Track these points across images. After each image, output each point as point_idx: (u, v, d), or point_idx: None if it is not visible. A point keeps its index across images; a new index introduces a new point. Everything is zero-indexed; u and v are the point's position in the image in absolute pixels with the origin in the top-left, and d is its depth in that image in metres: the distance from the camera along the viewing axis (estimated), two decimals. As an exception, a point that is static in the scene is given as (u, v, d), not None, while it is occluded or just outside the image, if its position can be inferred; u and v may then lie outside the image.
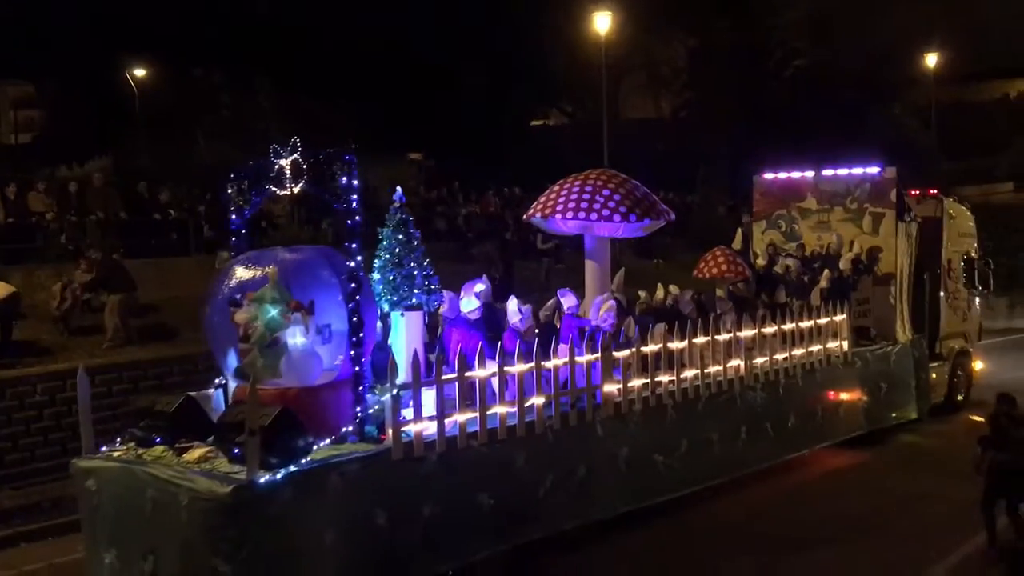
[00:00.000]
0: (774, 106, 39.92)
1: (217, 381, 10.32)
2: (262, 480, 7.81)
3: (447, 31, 38.12)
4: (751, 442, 12.60)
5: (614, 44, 33.25)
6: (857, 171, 16.46)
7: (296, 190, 9.57)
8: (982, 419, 11.45)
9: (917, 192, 16.88)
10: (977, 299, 18.22)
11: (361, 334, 9.05)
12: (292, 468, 8.10)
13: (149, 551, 8.21)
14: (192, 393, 9.61)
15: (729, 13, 41.77)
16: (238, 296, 9.49)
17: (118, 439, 9.53)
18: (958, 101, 46.85)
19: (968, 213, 17.93)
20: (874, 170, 16.29)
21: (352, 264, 8.98)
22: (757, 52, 42.18)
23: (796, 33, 43.66)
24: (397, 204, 9.93)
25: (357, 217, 9.00)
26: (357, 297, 9.00)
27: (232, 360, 9.57)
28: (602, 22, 28.28)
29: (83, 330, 16.40)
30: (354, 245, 9.00)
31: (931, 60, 41.57)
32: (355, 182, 8.97)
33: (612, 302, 11.40)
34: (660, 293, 13.81)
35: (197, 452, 8.84)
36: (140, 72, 36.30)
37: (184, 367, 15.60)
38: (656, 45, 44.91)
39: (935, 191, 17.38)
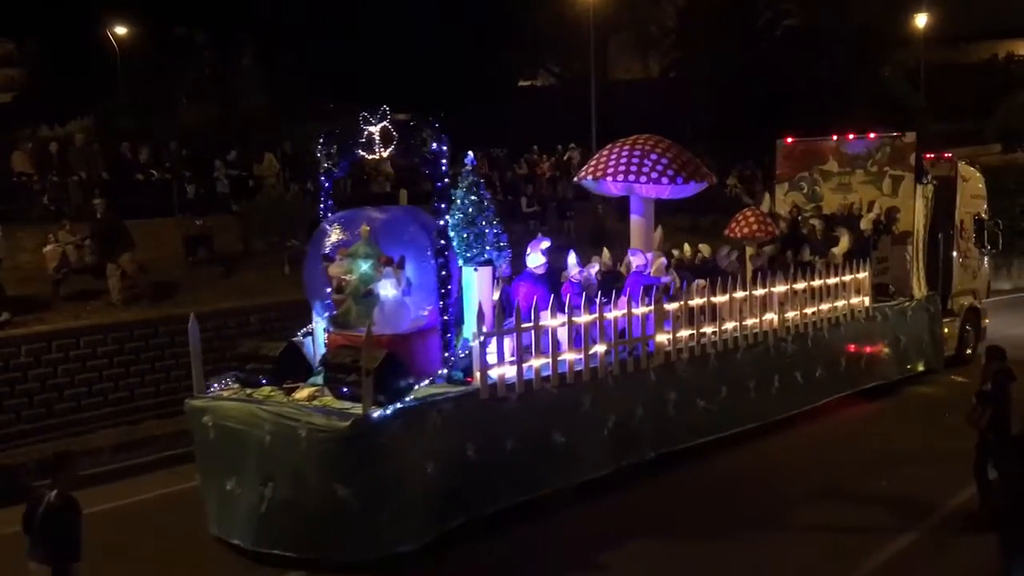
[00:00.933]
0: (763, 66, 40.45)
1: (304, 330, 11.36)
2: (375, 415, 8.93)
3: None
4: (783, 390, 13.85)
5: (601, 3, 33.54)
6: (879, 137, 17.55)
7: (385, 154, 10.50)
8: (964, 379, 12.38)
9: (932, 155, 18.02)
10: (985, 258, 19.37)
11: (449, 286, 10.07)
12: (398, 405, 9.17)
13: (269, 478, 9.34)
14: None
15: None
16: (330, 251, 10.49)
17: (223, 380, 10.54)
18: (947, 62, 48.06)
19: (979, 175, 19.21)
20: (894, 135, 17.37)
21: (442, 222, 9.98)
22: (746, 11, 42.74)
23: None
24: (468, 167, 10.83)
25: (446, 179, 9.98)
26: (446, 252, 10.01)
27: (325, 309, 10.59)
28: None
29: (72, 295, 16.73)
30: (443, 205, 10.01)
31: (920, 21, 42.69)
32: (444, 147, 9.93)
33: (664, 259, 12.53)
34: (688, 250, 14.92)
35: (305, 391, 10.00)
36: (121, 30, 36.14)
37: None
38: (644, 4, 45.37)
39: (949, 155, 18.49)
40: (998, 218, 19.73)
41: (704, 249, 15.25)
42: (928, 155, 18.03)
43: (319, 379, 10.47)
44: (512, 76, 45.47)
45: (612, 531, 10.13)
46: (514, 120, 37.31)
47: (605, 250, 13.83)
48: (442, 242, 10.23)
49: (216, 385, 10.69)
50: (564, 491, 10.98)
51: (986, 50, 52.77)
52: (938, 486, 11.00)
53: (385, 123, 10.54)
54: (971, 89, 46.38)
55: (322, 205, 11.43)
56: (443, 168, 10.23)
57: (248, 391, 10.43)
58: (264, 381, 10.50)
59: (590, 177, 13.46)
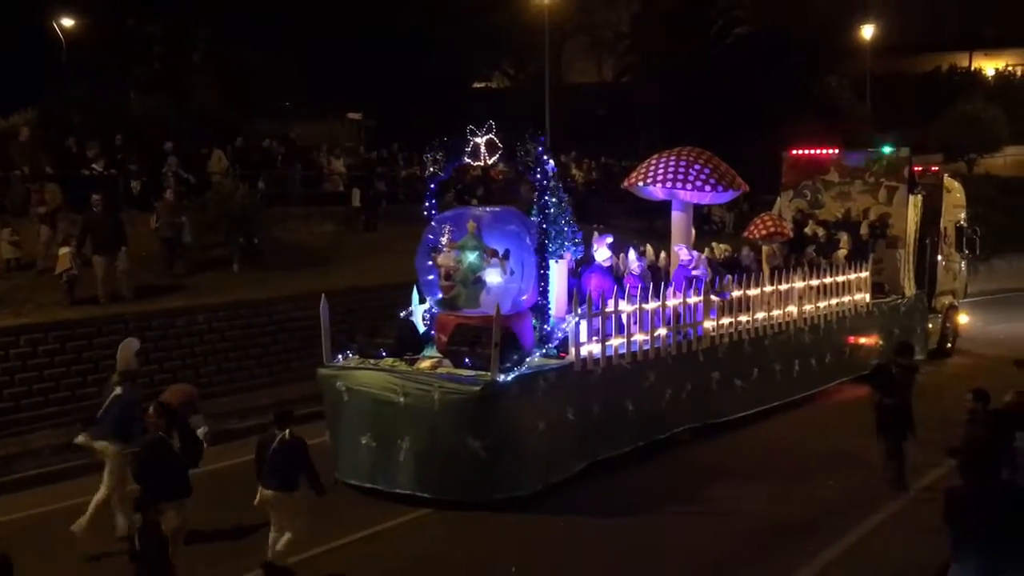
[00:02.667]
0: (715, 73, 42.53)
1: (403, 312, 13.50)
2: (500, 379, 11.12)
3: None
4: (802, 373, 16.27)
5: (557, 7, 34.61)
6: (877, 151, 20.07)
7: (490, 162, 12.69)
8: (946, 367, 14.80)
9: (920, 168, 20.56)
10: (964, 262, 22.00)
11: (547, 275, 12.30)
12: (516, 373, 11.38)
13: (404, 434, 11.46)
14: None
15: None
16: (440, 244, 12.66)
17: (346, 352, 12.63)
18: (892, 73, 50.74)
19: (960, 187, 21.95)
20: (890, 149, 19.89)
21: (543, 222, 12.19)
22: (700, 19, 45.01)
23: (737, 1, 47.22)
24: (550, 174, 12.99)
25: (548, 184, 12.20)
26: (545, 244, 12.24)
27: (435, 293, 12.76)
28: None
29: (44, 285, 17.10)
30: (546, 206, 12.20)
31: (867, 33, 45.22)
32: (545, 157, 12.14)
33: (704, 257, 14.88)
34: (719, 249, 17.27)
35: (427, 362, 12.30)
36: (68, 22, 35.52)
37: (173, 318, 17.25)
38: (599, 9, 47.32)
39: (935, 168, 21.10)
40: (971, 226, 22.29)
41: (720, 249, 17.54)
42: (917, 168, 20.55)
43: (431, 351, 12.56)
44: (467, 77, 46.61)
45: (665, 485, 12.73)
46: (469, 122, 38.26)
47: (649, 247, 16.07)
48: (543, 237, 12.37)
49: (340, 356, 12.72)
50: (633, 451, 13.16)
51: (929, 62, 55.58)
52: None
53: (491, 135, 12.59)
54: (915, 99, 49.01)
55: (427, 204, 13.51)
56: (546, 174, 12.39)
57: (372, 362, 12.46)
58: (384, 353, 12.58)
59: (641, 183, 15.69)
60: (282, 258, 20.90)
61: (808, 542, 10.62)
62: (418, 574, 10.15)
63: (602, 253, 14.38)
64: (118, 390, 10.63)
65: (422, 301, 13.99)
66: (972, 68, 55.71)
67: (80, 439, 10.86)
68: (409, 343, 12.98)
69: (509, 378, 11.66)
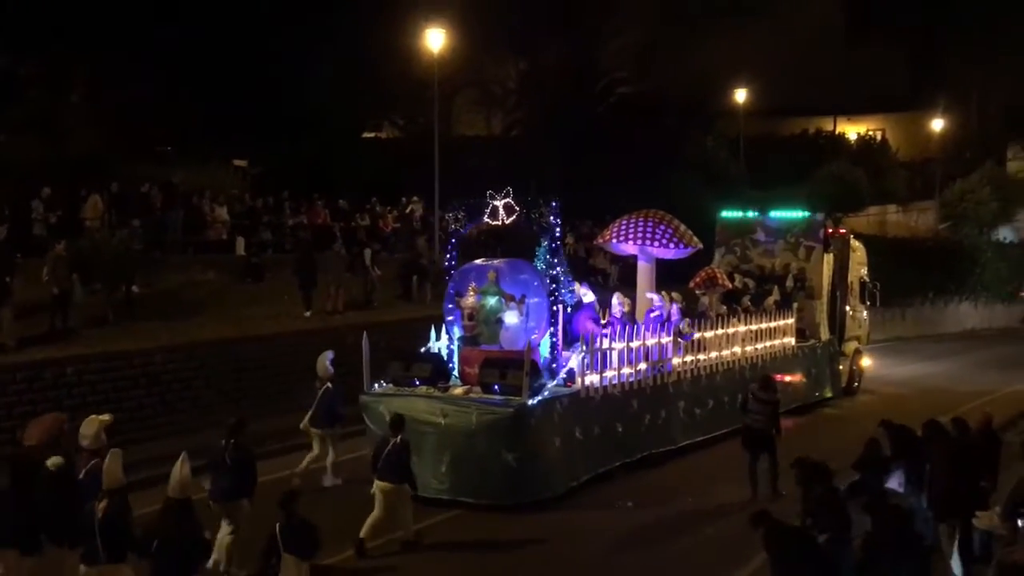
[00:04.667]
0: (599, 130, 44.84)
1: (423, 349, 16.16)
2: (529, 402, 13.91)
3: (276, 39, 39.02)
4: (740, 406, 19.38)
5: (447, 61, 35.31)
6: (796, 215, 23.64)
7: (507, 222, 15.51)
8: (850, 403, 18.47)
9: (831, 231, 24.22)
10: (865, 311, 25.76)
11: (555, 317, 15.18)
12: (539, 397, 14.19)
13: (445, 448, 14.14)
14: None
15: (557, 39, 47.16)
16: (462, 290, 15.43)
17: (380, 382, 15.22)
18: (764, 135, 54.42)
19: (862, 247, 25.65)
20: (807, 214, 23.51)
21: (555, 272, 15.09)
22: (584, 77, 47.66)
23: (620, 63, 49.98)
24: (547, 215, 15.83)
25: (558, 242, 15.13)
26: (556, 292, 15.11)
27: (458, 331, 15.49)
28: (435, 39, 30.42)
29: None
30: (556, 260, 15.14)
31: (740, 96, 49.33)
32: (557, 220, 15.05)
33: (675, 305, 17.96)
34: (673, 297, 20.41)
35: (459, 389, 14.95)
36: None
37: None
38: (488, 64, 48.94)
39: (843, 231, 24.85)
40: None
41: (677, 297, 20.68)
42: (828, 231, 24.20)
43: (455, 380, 15.30)
44: (356, 126, 47.33)
45: (651, 491, 15.89)
46: (358, 171, 38.40)
47: (619, 295, 19.07)
48: (553, 285, 15.25)
49: (376, 385, 15.29)
50: (621, 466, 16.05)
51: (798, 125, 59.67)
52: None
53: (508, 199, 15.43)
54: (785, 160, 51.61)
55: (448, 256, 16.29)
56: (557, 234, 15.32)
57: (408, 389, 15.08)
58: (418, 383, 15.20)
59: (614, 240, 18.76)
60: (160, 307, 21.15)
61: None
62: (460, 555, 13.05)
63: (588, 296, 17.34)
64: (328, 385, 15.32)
65: (438, 338, 16.60)
66: (836, 132, 60.45)
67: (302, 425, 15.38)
68: (441, 373, 15.61)
69: (535, 401, 14.43)
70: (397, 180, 36.19)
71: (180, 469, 9.27)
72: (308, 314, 22.83)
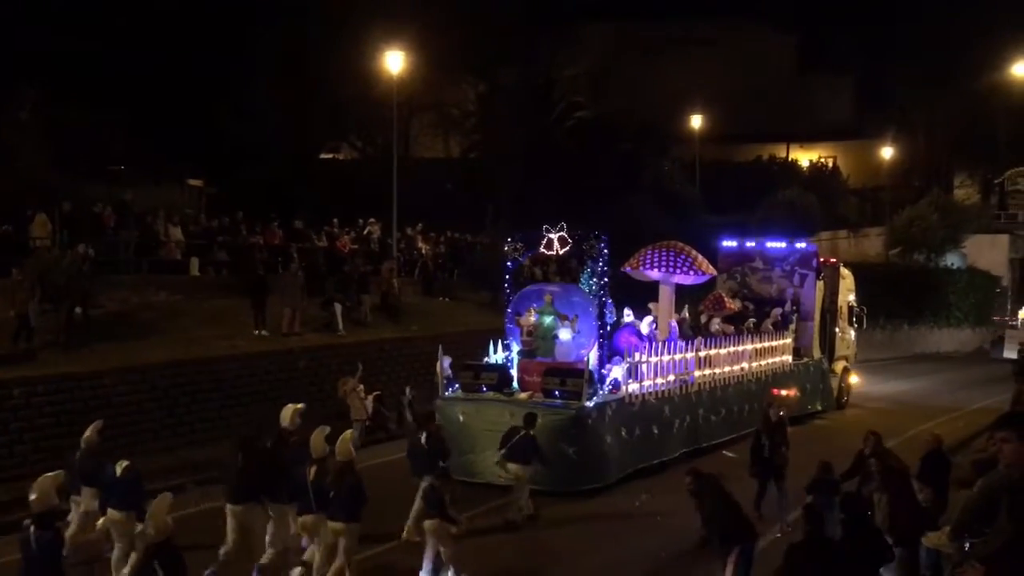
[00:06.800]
0: (557, 153, 47.02)
1: (486, 359, 19.22)
2: (587, 404, 16.98)
3: (232, 59, 40.30)
4: (750, 413, 22.59)
5: (405, 83, 36.53)
6: (791, 245, 26.99)
7: (561, 252, 18.57)
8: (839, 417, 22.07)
9: (823, 260, 27.49)
10: (853, 333, 29.06)
11: (604, 334, 18.30)
12: (594, 402, 17.27)
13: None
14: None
15: (515, 63, 49.35)
16: (521, 310, 18.47)
17: (454, 387, 18.22)
18: (719, 160, 57.51)
19: (850, 274, 29.03)
20: (802, 244, 26.79)
21: (602, 296, 18.20)
22: (542, 102, 49.98)
23: (578, 87, 52.74)
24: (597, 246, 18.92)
25: (606, 269, 18.20)
26: (605, 313, 18.22)
27: (516, 346, 18.56)
28: (394, 61, 31.70)
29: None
30: (603, 284, 18.20)
31: (696, 122, 52.47)
32: (605, 249, 18.12)
33: (674, 323, 21.21)
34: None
35: (524, 394, 17.92)
36: None
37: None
38: (447, 87, 50.97)
39: (833, 260, 28.17)
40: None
41: (683, 314, 23.90)
42: (822, 259, 27.47)
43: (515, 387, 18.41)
44: (313, 147, 48.75)
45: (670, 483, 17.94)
46: (315, 191, 39.83)
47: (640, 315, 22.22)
48: (602, 308, 18.34)
49: (448, 391, 18.30)
50: (657, 464, 19.20)
51: (752, 152, 62.89)
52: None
53: (562, 232, 18.50)
54: (739, 185, 54.16)
55: (507, 281, 19.30)
56: (605, 262, 18.39)
57: (474, 395, 18.11)
58: (484, 389, 18.20)
59: (641, 267, 21.90)
60: (112, 329, 21.65)
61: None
62: (530, 532, 16.06)
63: (629, 316, 20.46)
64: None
65: (495, 352, 19.62)
66: (789, 158, 64.29)
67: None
68: (505, 380, 18.65)
69: (591, 404, 17.51)
70: (354, 201, 37.34)
71: (347, 438, 12.54)
72: (261, 333, 23.98)
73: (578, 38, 53.86)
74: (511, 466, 16.03)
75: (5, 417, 17.48)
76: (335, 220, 33.13)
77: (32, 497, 9.85)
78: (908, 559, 11.31)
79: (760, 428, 16.44)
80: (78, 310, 21.16)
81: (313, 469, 12.33)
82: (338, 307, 26.46)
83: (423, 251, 34.50)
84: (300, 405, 14.17)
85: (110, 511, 12.32)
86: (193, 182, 35.70)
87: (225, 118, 38.75)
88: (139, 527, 11.94)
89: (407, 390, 20.49)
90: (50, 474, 10.37)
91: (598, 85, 53.08)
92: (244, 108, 39.40)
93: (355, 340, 25.46)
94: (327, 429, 12.94)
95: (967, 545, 7.62)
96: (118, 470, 12.38)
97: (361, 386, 21.14)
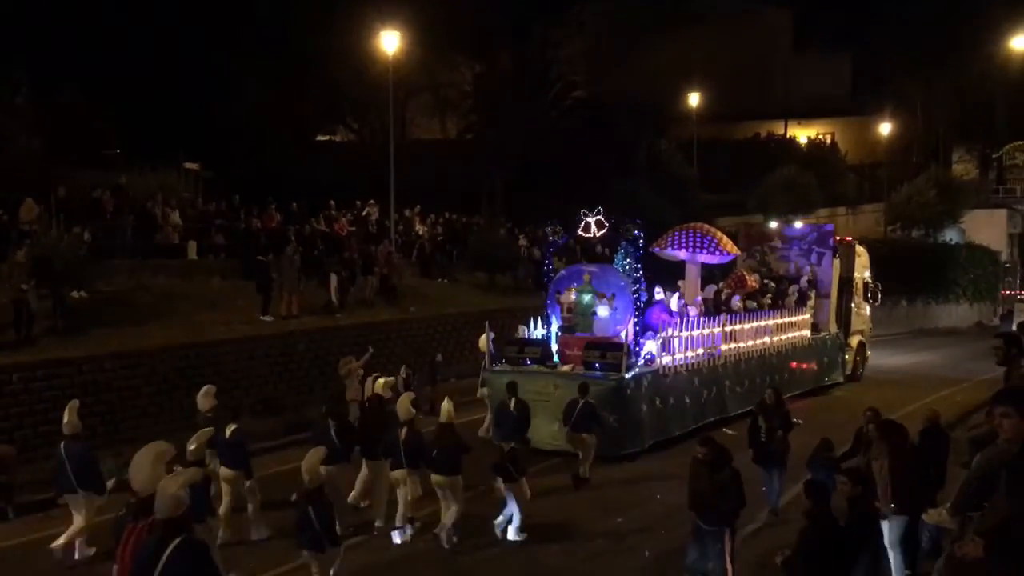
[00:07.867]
0: (554, 133, 47.96)
1: (515, 336, 20.83)
2: (626, 376, 18.59)
3: (230, 42, 40.74)
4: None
5: (401, 65, 37.10)
6: (808, 225, 28.54)
7: (598, 236, 20.14)
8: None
9: (839, 239, 29.04)
10: (868, 308, 30.64)
11: (637, 310, 19.92)
12: (632, 373, 18.88)
13: (556, 410, 18.74)
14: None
15: (511, 44, 50.38)
16: (562, 289, 20.06)
17: (502, 360, 19.87)
18: (716, 139, 58.59)
19: (865, 252, 30.58)
20: (820, 224, 28.37)
21: (638, 274, 19.77)
22: (538, 82, 50.61)
23: (574, 68, 53.96)
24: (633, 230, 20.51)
25: (641, 253, 19.79)
26: (640, 290, 19.82)
27: (556, 322, 20.20)
28: (390, 42, 32.12)
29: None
30: (639, 265, 19.79)
31: (693, 100, 53.02)
32: (641, 234, 19.70)
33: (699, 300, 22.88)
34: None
35: (566, 367, 19.52)
36: None
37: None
38: (443, 68, 52.01)
39: (849, 238, 29.71)
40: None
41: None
42: (838, 238, 29.01)
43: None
44: (310, 130, 49.55)
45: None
46: (312, 174, 40.27)
47: (670, 292, 23.82)
48: (637, 286, 19.93)
49: (496, 364, 19.91)
50: (686, 433, 20.88)
51: (749, 129, 64.26)
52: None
53: (599, 216, 20.06)
54: (736, 163, 55.74)
55: (547, 261, 20.96)
56: (640, 246, 19.97)
57: (519, 368, 19.73)
58: (529, 362, 19.83)
59: (669, 248, 23.48)
60: (110, 313, 21.81)
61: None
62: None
63: (660, 294, 22.07)
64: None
65: (534, 328, 21.23)
66: (787, 136, 65.37)
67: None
68: (547, 354, 20.28)
69: (629, 375, 19.15)
70: (352, 183, 38.23)
71: (447, 404, 14.43)
72: (266, 318, 24.20)
73: (573, 18, 54.78)
74: (585, 436, 17.79)
75: (4, 402, 17.67)
76: (332, 203, 33.54)
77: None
78: (907, 529, 11.17)
79: (756, 410, 16.29)
80: (75, 294, 21.51)
81: (404, 431, 14.17)
82: (334, 278, 26.68)
83: (421, 233, 35.16)
84: (391, 378, 16.26)
85: (222, 469, 13.86)
86: (189, 165, 35.71)
87: (220, 101, 39.58)
88: (247, 483, 13.85)
89: (402, 368, 20.96)
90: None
91: (594, 65, 54.18)
92: (239, 91, 40.34)
93: (353, 322, 25.94)
94: (412, 395, 14.84)
95: (967, 520, 7.77)
96: (227, 432, 13.93)
97: (362, 370, 21.14)
